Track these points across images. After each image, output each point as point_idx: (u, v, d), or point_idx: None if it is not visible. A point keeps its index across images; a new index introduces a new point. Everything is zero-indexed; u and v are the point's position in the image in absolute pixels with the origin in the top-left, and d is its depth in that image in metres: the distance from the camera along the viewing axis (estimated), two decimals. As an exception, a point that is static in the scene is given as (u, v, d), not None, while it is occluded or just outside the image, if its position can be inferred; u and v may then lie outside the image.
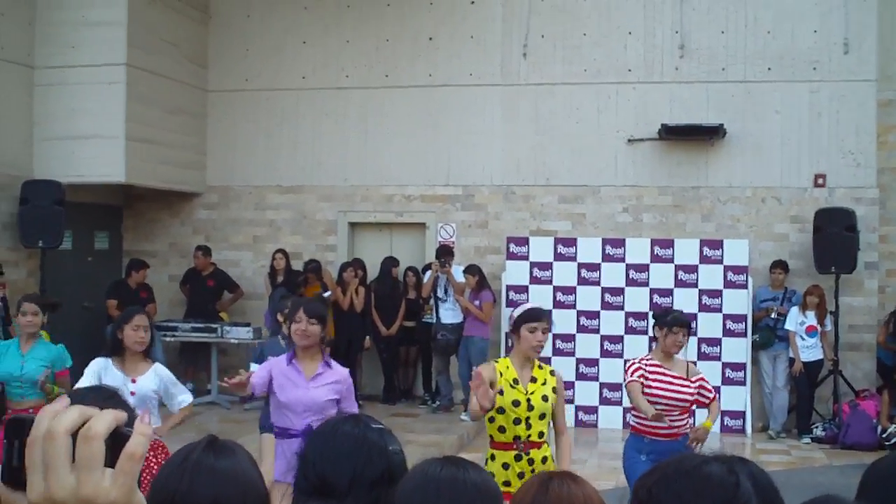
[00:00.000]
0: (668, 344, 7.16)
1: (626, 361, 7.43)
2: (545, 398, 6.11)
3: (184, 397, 6.87)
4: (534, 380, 6.16)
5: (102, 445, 1.19)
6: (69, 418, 1.21)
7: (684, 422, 7.18)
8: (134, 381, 6.55)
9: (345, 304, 13.49)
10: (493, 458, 6.16)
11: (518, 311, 6.24)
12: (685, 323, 7.23)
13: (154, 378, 6.68)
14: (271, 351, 7.62)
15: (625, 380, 7.26)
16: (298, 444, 6.04)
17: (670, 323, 7.17)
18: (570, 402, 12.43)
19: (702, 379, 7.29)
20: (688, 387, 7.11)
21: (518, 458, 6.07)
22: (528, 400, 6.07)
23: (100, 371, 6.54)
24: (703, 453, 3.02)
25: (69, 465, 1.19)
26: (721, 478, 2.27)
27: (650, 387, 7.06)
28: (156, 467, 6.32)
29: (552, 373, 6.26)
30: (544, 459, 6.17)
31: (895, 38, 14.12)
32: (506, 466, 6.09)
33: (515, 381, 6.13)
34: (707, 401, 7.27)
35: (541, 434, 6.15)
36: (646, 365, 7.20)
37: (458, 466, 2.55)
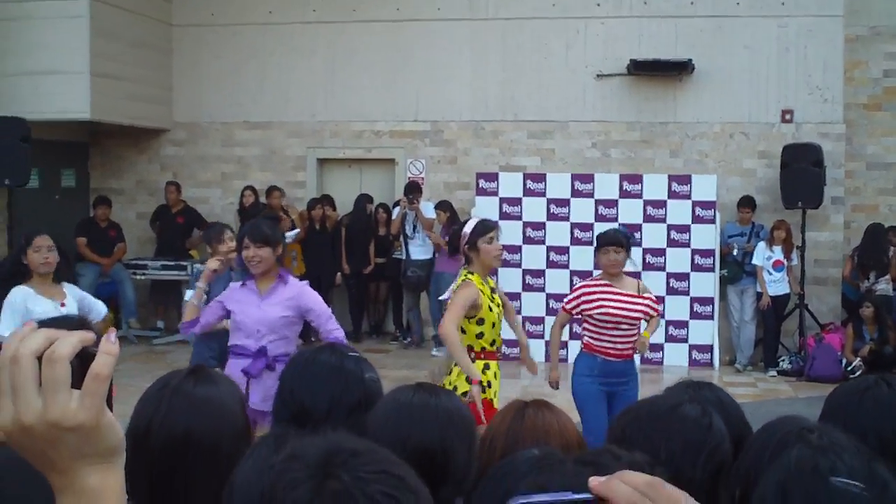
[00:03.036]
0: (604, 263, 7.10)
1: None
2: (499, 305, 6.37)
3: (99, 309, 6.76)
4: (494, 290, 6.43)
5: (67, 367, 1.18)
6: (35, 341, 1.20)
7: (631, 341, 7.10)
8: (63, 305, 6.44)
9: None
10: (487, 367, 6.28)
11: (469, 228, 6.36)
12: (615, 240, 7.08)
13: (73, 299, 6.58)
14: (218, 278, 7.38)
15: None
16: (247, 364, 6.04)
17: (600, 242, 7.15)
18: (540, 336, 12.48)
19: (650, 298, 7.22)
20: (637, 303, 7.05)
21: (487, 367, 6.24)
22: (501, 320, 6.39)
23: (25, 300, 6.36)
24: (676, 383, 3.07)
25: (36, 389, 1.18)
26: (695, 420, 2.31)
27: (596, 304, 7.00)
28: None
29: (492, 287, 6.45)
30: (496, 374, 6.36)
31: (863, -27, 14.12)
32: (496, 375, 6.31)
33: (493, 290, 6.39)
34: (651, 315, 7.19)
35: (493, 343, 6.37)
36: (592, 286, 7.17)
37: (431, 393, 2.58)
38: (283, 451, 1.37)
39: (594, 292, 7.06)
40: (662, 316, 7.32)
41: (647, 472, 1.25)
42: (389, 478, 1.31)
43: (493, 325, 6.24)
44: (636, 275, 7.94)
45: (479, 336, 6.25)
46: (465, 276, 6.28)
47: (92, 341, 1.22)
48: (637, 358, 7.38)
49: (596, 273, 7.50)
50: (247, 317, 6.07)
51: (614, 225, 12.96)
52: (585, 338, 7.21)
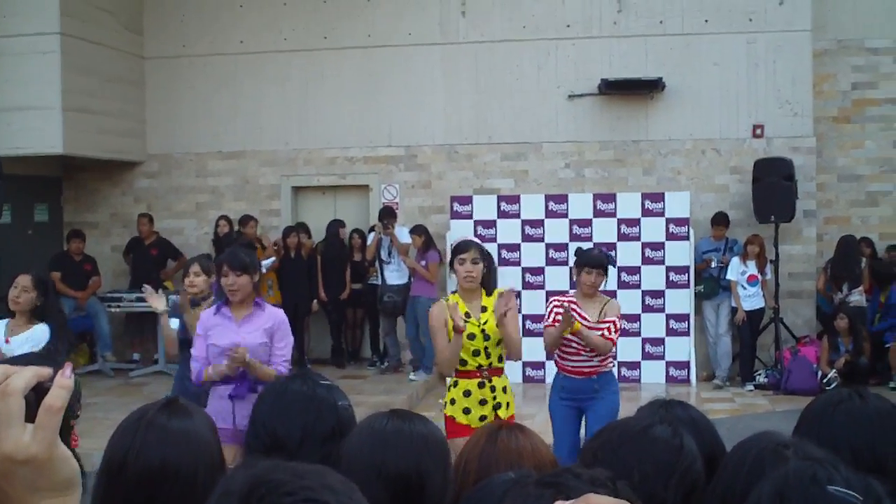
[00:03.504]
0: (582, 283, 7.19)
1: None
2: (498, 324, 6.28)
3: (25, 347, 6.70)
4: (484, 309, 6.36)
5: (21, 401, 1.19)
6: None
7: (595, 359, 7.12)
8: (7, 342, 6.58)
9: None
10: (455, 384, 6.40)
11: (453, 244, 6.49)
12: (598, 263, 7.17)
13: (28, 339, 6.61)
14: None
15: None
16: (232, 389, 6.12)
17: (581, 263, 7.21)
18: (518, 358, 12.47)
19: (612, 322, 7.13)
20: (594, 331, 7.06)
21: (481, 384, 6.34)
22: (483, 330, 6.29)
23: None
24: (649, 402, 3.08)
25: None
26: (665, 441, 2.32)
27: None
28: None
29: (500, 294, 6.33)
30: (504, 389, 6.43)
31: (828, -12, 14.26)
32: (467, 394, 6.35)
33: (467, 314, 6.32)
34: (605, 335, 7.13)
35: (500, 359, 6.41)
36: (562, 300, 7.22)
37: (405, 419, 2.58)
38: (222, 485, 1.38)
39: (561, 307, 7.11)
40: (613, 341, 7.22)
41: (608, 488, 1.26)
42: None
43: (476, 351, 6.31)
44: (612, 293, 7.94)
45: (463, 363, 6.36)
46: (447, 298, 6.43)
47: (48, 377, 1.23)
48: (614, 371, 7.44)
49: (573, 293, 7.53)
50: (225, 344, 6.14)
51: (589, 245, 13.03)
52: (555, 356, 7.34)
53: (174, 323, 7.48)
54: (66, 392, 1.22)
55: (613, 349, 7.27)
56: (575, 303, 7.17)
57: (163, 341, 13.42)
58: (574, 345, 7.10)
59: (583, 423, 7.25)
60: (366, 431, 2.55)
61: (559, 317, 7.05)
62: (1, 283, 9.01)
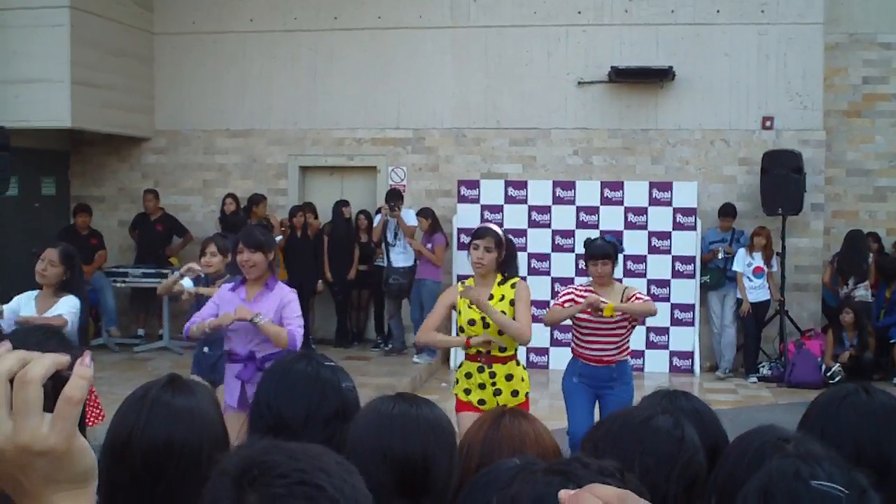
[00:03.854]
0: (592, 274, 7.30)
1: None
2: (503, 314, 6.32)
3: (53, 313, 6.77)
4: (491, 297, 6.40)
5: (40, 390, 1.16)
6: (7, 363, 1.18)
7: (615, 347, 7.22)
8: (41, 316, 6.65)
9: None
10: (461, 364, 6.61)
11: (473, 232, 6.55)
12: (602, 253, 7.24)
13: (55, 312, 6.70)
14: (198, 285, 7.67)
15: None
16: (240, 369, 6.29)
17: (587, 256, 7.31)
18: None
19: (636, 295, 7.23)
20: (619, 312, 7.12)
21: (480, 369, 6.46)
22: (483, 318, 6.34)
23: (20, 303, 6.84)
24: (653, 392, 3.08)
25: (7, 411, 1.16)
26: (667, 432, 2.31)
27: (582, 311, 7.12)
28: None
29: (513, 285, 6.43)
30: (509, 377, 6.48)
31: (842, -19, 14.20)
32: (468, 376, 6.51)
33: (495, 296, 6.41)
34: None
35: (502, 349, 6.45)
36: (578, 290, 7.34)
37: (411, 403, 2.58)
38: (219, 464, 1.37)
39: (580, 297, 7.19)
40: (652, 309, 7.29)
41: (616, 479, 1.25)
42: (307, 489, 1.31)
43: (462, 329, 6.48)
44: (618, 282, 7.95)
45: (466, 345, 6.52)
46: (464, 282, 6.53)
47: (66, 364, 1.20)
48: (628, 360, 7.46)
49: (578, 280, 7.61)
50: (236, 323, 6.32)
51: (595, 232, 13.02)
52: (572, 343, 7.42)
53: (188, 284, 7.68)
54: (85, 382, 1.19)
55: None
56: (593, 292, 7.22)
57: (168, 317, 13.49)
58: (595, 332, 7.15)
59: (596, 410, 7.30)
60: (372, 415, 2.55)
61: (570, 303, 7.15)
62: (9, 255, 9.03)
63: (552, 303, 7.41)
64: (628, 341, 7.34)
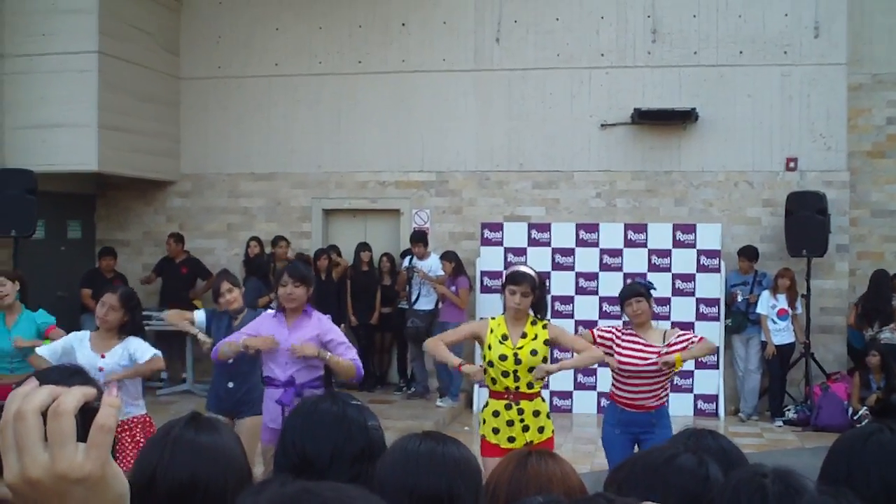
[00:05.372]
0: (630, 315, 7.31)
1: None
2: (534, 352, 6.50)
3: (147, 354, 6.89)
4: (524, 335, 6.56)
5: (73, 421, 1.20)
6: (39, 398, 1.22)
7: (654, 394, 7.20)
8: (103, 357, 6.75)
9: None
10: (486, 405, 6.70)
11: (507, 272, 6.74)
12: (634, 292, 7.32)
13: (122, 352, 6.83)
14: (218, 322, 7.86)
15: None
16: (281, 394, 6.52)
17: (622, 297, 7.37)
18: (546, 388, 12.48)
19: (681, 337, 7.22)
20: (676, 348, 7.13)
21: (508, 406, 6.55)
22: (516, 354, 6.49)
23: (73, 342, 6.88)
24: (680, 431, 3.06)
25: (41, 444, 1.19)
26: (691, 471, 2.30)
27: (622, 353, 7.19)
28: (142, 443, 6.48)
29: (545, 326, 6.62)
30: (536, 413, 6.60)
31: (865, 22, 14.21)
32: (496, 414, 6.59)
33: (504, 336, 6.57)
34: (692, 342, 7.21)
35: (530, 385, 6.57)
36: (621, 335, 7.34)
37: (438, 441, 2.57)
38: None
39: (622, 342, 7.24)
40: (703, 339, 7.36)
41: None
42: None
43: (492, 364, 6.56)
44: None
45: (493, 381, 6.64)
46: (493, 317, 6.77)
47: (94, 396, 1.24)
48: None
49: (601, 323, 7.64)
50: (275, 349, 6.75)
51: (619, 275, 13.04)
52: (611, 388, 7.42)
53: (200, 316, 7.98)
54: (115, 410, 1.23)
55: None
56: (633, 334, 7.26)
57: (191, 360, 13.52)
58: (636, 377, 7.15)
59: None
60: (399, 452, 2.54)
61: (610, 349, 7.21)
62: (35, 298, 9.11)
63: (598, 329, 7.49)
64: (668, 387, 7.33)
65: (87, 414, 1.22)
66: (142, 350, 6.87)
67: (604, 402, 7.72)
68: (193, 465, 2.35)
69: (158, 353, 6.97)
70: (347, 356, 6.70)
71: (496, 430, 6.56)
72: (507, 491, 2.60)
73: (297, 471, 2.69)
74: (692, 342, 7.16)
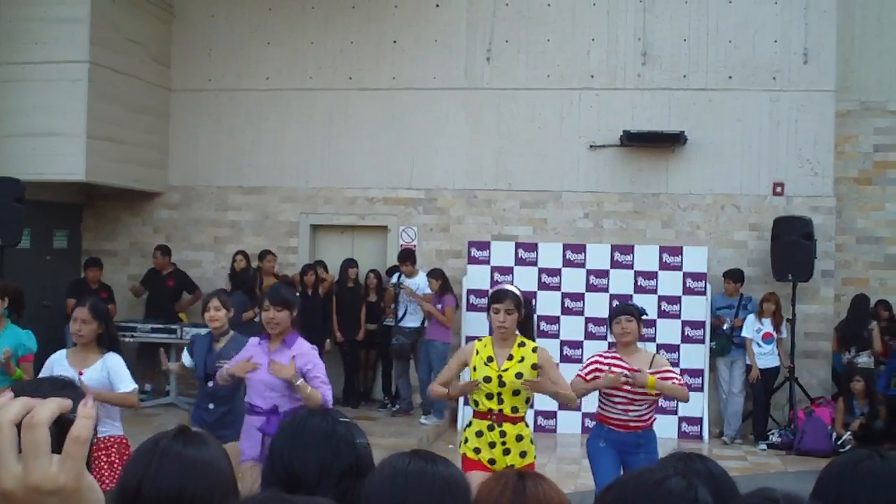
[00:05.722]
0: (616, 334, 7.28)
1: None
2: (519, 375, 6.42)
3: (124, 388, 6.76)
4: (510, 357, 6.50)
5: (47, 432, 1.19)
6: (12, 410, 1.21)
7: (640, 414, 7.18)
8: (80, 374, 6.62)
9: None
10: (470, 424, 6.64)
11: (491, 291, 6.70)
12: (624, 310, 7.32)
13: (101, 369, 6.72)
14: (200, 343, 7.77)
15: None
16: (263, 423, 6.41)
17: (612, 314, 7.37)
18: (531, 407, 12.46)
19: (666, 369, 7.20)
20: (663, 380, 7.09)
21: (491, 427, 6.50)
22: (500, 376, 6.44)
23: (53, 363, 6.77)
24: (668, 454, 3.06)
25: (15, 455, 1.19)
26: (680, 494, 2.29)
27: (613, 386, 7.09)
28: (118, 464, 6.42)
29: (534, 350, 6.54)
30: (519, 437, 6.54)
31: (854, 49, 14.30)
32: (479, 434, 6.54)
33: (490, 358, 6.51)
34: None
35: (514, 409, 6.51)
36: (604, 357, 7.30)
37: (426, 460, 2.56)
38: None
39: (605, 364, 7.18)
40: (686, 386, 7.31)
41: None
42: None
43: (476, 385, 6.50)
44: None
45: (476, 403, 6.58)
46: (481, 339, 6.71)
47: (69, 408, 1.24)
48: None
49: (587, 343, 7.60)
50: (254, 377, 6.60)
51: (605, 296, 13.05)
52: (598, 408, 7.38)
53: (186, 360, 7.79)
54: (91, 422, 1.23)
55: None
56: (618, 357, 7.21)
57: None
58: (622, 399, 7.11)
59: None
60: (387, 471, 2.53)
61: (598, 374, 7.12)
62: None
63: (576, 373, 7.37)
64: (654, 409, 7.31)
65: (62, 426, 1.22)
66: (119, 376, 6.73)
67: (588, 422, 7.70)
68: (180, 477, 2.34)
69: (136, 386, 6.83)
70: (320, 391, 6.47)
71: (477, 450, 6.51)
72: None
73: (285, 486, 2.68)
74: (674, 382, 7.09)
